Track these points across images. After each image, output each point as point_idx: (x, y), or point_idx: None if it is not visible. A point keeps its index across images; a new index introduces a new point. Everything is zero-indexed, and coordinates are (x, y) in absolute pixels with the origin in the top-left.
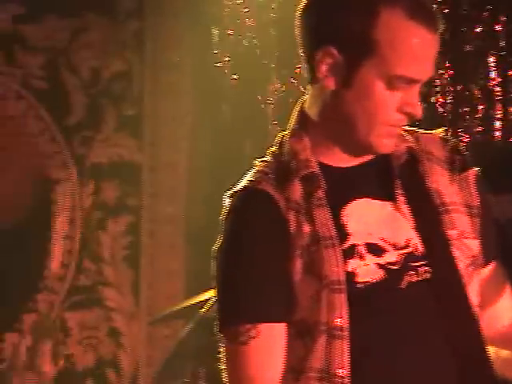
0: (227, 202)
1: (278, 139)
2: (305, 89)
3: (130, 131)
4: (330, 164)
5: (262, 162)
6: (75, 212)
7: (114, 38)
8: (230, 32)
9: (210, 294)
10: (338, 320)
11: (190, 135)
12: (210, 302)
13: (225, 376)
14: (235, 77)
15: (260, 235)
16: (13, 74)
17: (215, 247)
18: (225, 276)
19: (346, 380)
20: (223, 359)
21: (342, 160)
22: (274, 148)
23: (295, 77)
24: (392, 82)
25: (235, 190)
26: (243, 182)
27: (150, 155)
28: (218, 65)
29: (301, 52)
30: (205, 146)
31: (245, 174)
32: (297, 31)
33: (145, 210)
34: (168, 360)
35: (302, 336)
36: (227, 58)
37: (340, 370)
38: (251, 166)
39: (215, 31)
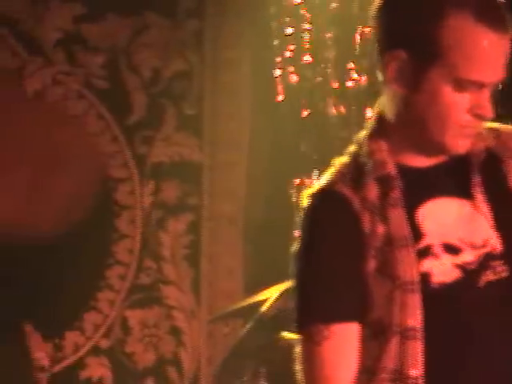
0: (305, 201)
1: (358, 138)
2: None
3: (190, 130)
4: (407, 164)
5: (340, 161)
6: (136, 211)
7: (175, 37)
8: (289, 31)
9: (270, 292)
10: (411, 321)
11: (249, 134)
12: (270, 301)
13: (300, 374)
14: (294, 75)
15: (334, 236)
16: (74, 73)
17: (294, 248)
18: (300, 275)
19: (420, 381)
20: (299, 358)
21: (418, 160)
22: (353, 147)
23: (352, 76)
24: (460, 85)
25: (313, 190)
26: (321, 182)
27: (209, 154)
28: (278, 62)
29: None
30: (264, 145)
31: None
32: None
33: (205, 209)
34: (228, 359)
35: (376, 336)
36: (287, 56)
37: (413, 371)
38: (310, 165)
39: (274, 30)
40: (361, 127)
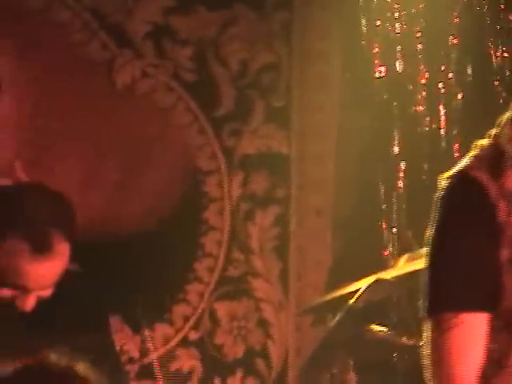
0: (442, 184)
1: (498, 121)
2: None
3: (279, 122)
4: None
5: (480, 144)
6: (224, 203)
7: (263, 29)
8: (378, 22)
9: (358, 284)
10: None
11: (337, 125)
12: (359, 293)
13: (427, 360)
14: (383, 68)
15: (469, 223)
16: (163, 66)
17: (429, 233)
18: (432, 261)
19: None
20: (427, 343)
21: None
22: (494, 130)
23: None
24: None
25: (450, 173)
26: (458, 166)
27: (298, 146)
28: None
29: None
30: (352, 136)
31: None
32: None
33: (293, 201)
34: (316, 351)
35: (507, 327)
36: (376, 49)
37: None
38: (398, 158)
39: (363, 21)
40: (448, 119)
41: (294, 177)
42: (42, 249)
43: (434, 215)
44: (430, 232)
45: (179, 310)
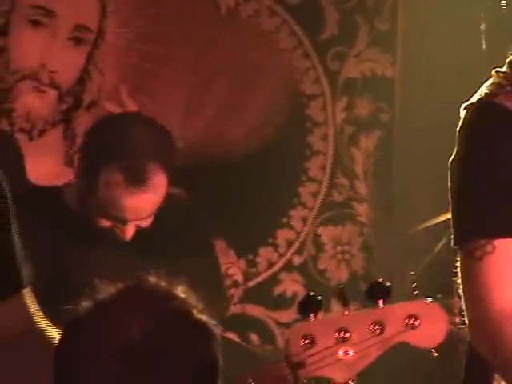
0: (463, 113)
1: None
2: None
3: (383, 46)
4: None
5: (499, 72)
6: (328, 128)
7: None
8: None
9: None
10: None
11: (442, 49)
12: None
13: (461, 288)
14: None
15: (495, 149)
16: None
17: (451, 160)
18: (460, 189)
19: None
20: (460, 272)
21: None
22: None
23: None
24: None
25: (471, 101)
26: (478, 94)
27: (402, 70)
28: None
29: None
30: (459, 61)
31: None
32: None
33: (396, 125)
34: (421, 275)
35: None
36: None
37: None
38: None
39: None
40: None
41: (397, 101)
42: (137, 182)
43: (459, 145)
44: (453, 161)
45: (283, 234)
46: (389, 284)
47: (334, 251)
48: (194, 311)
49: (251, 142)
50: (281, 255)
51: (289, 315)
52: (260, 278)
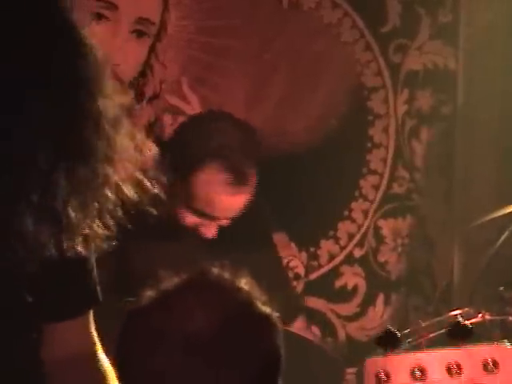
0: None
1: None
2: None
3: (445, 38)
4: None
5: None
6: (389, 120)
7: None
8: None
9: None
10: None
11: (505, 41)
12: None
13: None
14: None
15: None
16: None
17: None
18: None
19: None
20: None
21: None
22: None
23: None
24: None
25: None
26: None
27: (464, 63)
28: None
29: None
30: None
31: None
32: None
33: (459, 119)
34: (483, 269)
35: None
36: None
37: None
38: None
39: None
40: None
41: (460, 93)
42: (240, 182)
43: None
44: None
45: (344, 227)
46: (471, 326)
47: (395, 244)
48: (258, 303)
49: (313, 135)
50: (342, 248)
51: (350, 308)
52: (321, 271)
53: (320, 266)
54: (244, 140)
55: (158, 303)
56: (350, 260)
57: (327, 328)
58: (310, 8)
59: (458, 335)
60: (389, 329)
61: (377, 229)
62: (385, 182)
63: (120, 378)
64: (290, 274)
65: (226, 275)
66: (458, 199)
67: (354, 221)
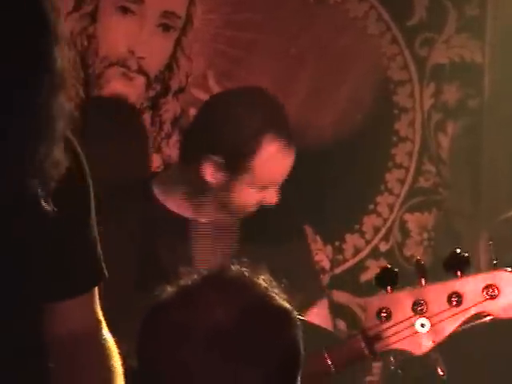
0: None
1: None
2: None
3: (472, 32)
4: None
5: None
6: (415, 114)
7: None
8: None
9: None
10: None
11: None
12: None
13: None
14: None
15: None
16: None
17: None
18: None
19: None
20: None
21: None
22: None
23: None
24: None
25: None
26: None
27: (491, 56)
28: None
29: None
30: None
31: None
32: None
33: (485, 112)
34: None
35: None
36: None
37: None
38: None
39: None
40: None
41: (486, 87)
42: (289, 144)
43: None
44: None
45: (370, 221)
46: (466, 255)
47: (421, 238)
48: (277, 298)
49: (339, 129)
50: (367, 242)
51: None
52: (346, 265)
53: (345, 260)
54: (275, 110)
55: (179, 298)
56: (375, 254)
57: (353, 322)
58: (335, 2)
59: (455, 265)
60: (387, 267)
61: (402, 223)
62: (411, 175)
63: (141, 372)
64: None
65: (245, 271)
66: (485, 193)
67: (379, 215)
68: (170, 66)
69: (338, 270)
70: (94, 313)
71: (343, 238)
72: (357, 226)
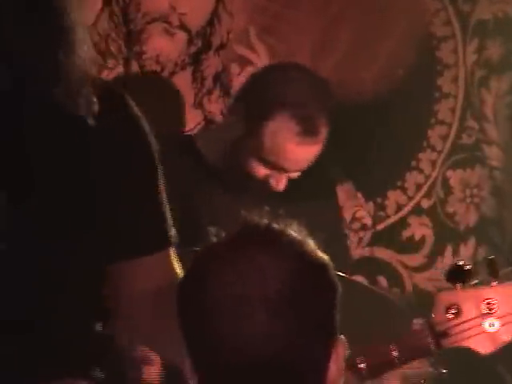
0: None
1: None
2: None
3: None
4: None
5: None
6: (459, 70)
7: None
8: None
9: None
10: None
11: None
12: None
13: None
14: None
15: None
16: None
17: None
18: None
19: None
20: None
21: None
22: None
23: None
24: None
25: None
26: None
27: None
28: None
29: None
30: None
31: None
32: None
33: None
34: None
35: None
36: None
37: None
38: None
39: None
40: None
41: None
42: (311, 132)
43: None
44: None
45: (412, 177)
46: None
47: (463, 195)
48: (313, 252)
49: (380, 84)
50: (409, 198)
51: (417, 259)
52: (388, 222)
53: (387, 217)
54: (316, 91)
55: (222, 252)
56: (417, 211)
57: (394, 279)
58: None
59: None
60: (458, 263)
61: (445, 179)
62: (453, 132)
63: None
64: (357, 225)
65: (276, 225)
66: None
67: (421, 171)
68: (211, 22)
69: (379, 227)
70: (170, 271)
71: (385, 195)
72: (399, 183)
